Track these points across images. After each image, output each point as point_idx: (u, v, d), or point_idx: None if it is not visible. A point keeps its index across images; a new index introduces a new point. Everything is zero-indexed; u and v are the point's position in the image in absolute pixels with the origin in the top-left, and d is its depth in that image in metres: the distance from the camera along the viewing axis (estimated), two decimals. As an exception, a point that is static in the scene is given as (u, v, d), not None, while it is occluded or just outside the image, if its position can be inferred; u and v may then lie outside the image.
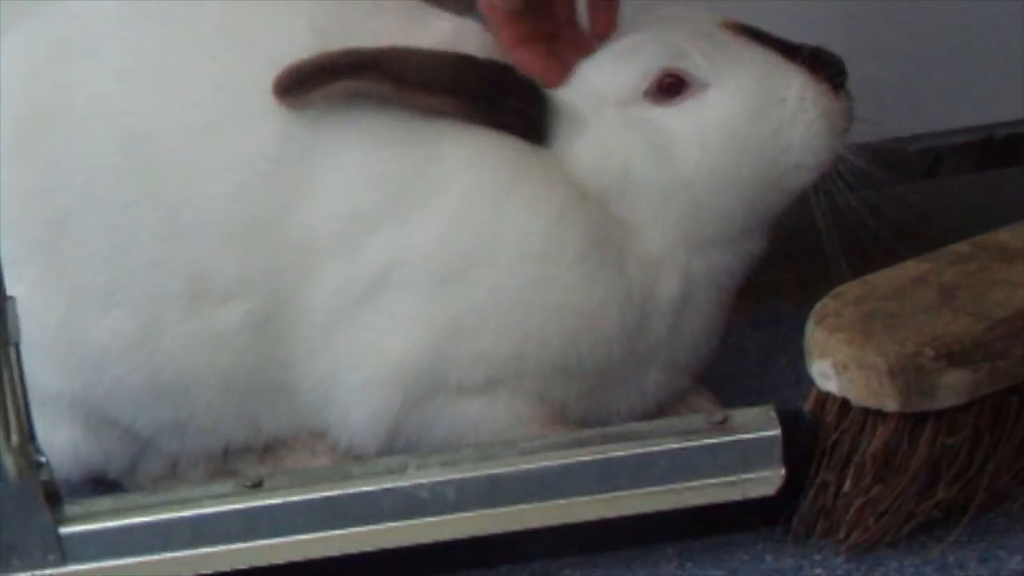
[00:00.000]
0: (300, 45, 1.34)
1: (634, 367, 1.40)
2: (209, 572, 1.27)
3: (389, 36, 1.36)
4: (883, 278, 1.31)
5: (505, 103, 1.35)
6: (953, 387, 1.23)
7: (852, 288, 1.30)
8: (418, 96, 1.33)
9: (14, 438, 1.24)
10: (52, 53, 1.39)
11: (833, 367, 1.24)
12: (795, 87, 1.36)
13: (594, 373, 1.38)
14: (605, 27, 1.40)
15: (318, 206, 1.34)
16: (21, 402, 1.25)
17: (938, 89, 1.86)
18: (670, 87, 1.36)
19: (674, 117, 1.36)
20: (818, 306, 1.28)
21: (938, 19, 1.84)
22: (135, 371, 1.37)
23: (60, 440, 1.40)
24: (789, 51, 1.38)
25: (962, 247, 1.35)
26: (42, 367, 1.36)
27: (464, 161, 1.35)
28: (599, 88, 1.37)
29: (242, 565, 1.27)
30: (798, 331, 1.29)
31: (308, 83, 1.32)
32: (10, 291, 1.25)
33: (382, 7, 1.41)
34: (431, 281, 1.35)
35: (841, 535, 1.27)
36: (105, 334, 1.36)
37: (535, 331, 1.35)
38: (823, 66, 1.37)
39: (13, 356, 1.24)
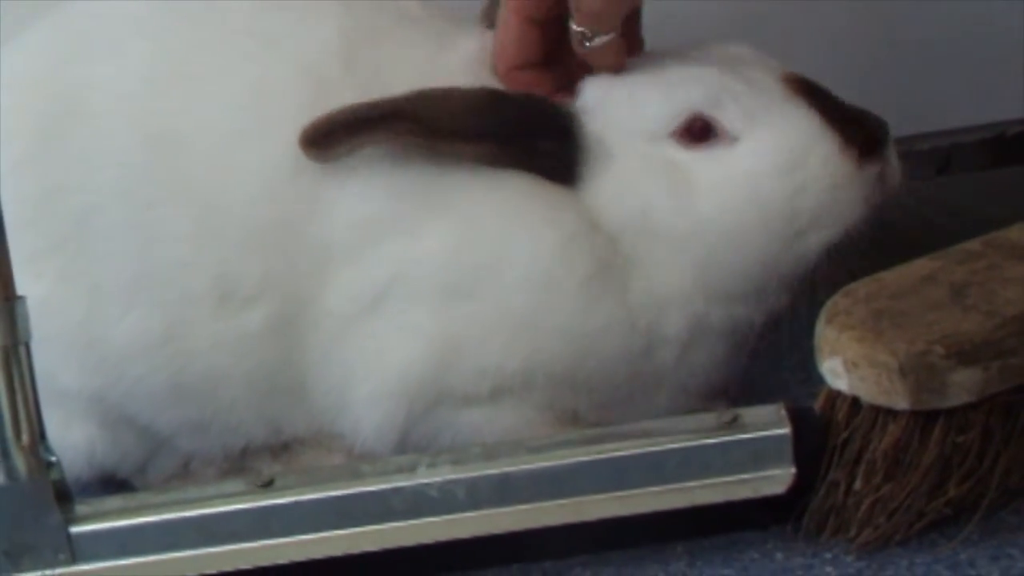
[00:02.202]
0: (327, 51, 1.35)
1: (642, 388, 1.40)
2: (219, 571, 1.27)
3: (416, 51, 1.37)
4: (893, 276, 1.31)
5: (537, 146, 1.35)
6: (964, 385, 1.23)
7: (862, 286, 1.30)
8: (450, 145, 1.32)
9: (24, 437, 1.24)
10: (75, 50, 1.39)
11: (843, 365, 1.24)
12: (819, 153, 1.34)
13: (602, 389, 1.38)
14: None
15: (334, 213, 1.34)
16: (31, 401, 1.25)
17: (948, 87, 1.86)
18: (699, 131, 1.35)
19: (699, 162, 1.35)
20: (828, 304, 1.28)
21: (949, 16, 1.84)
22: (157, 371, 1.37)
23: (74, 438, 1.40)
24: (834, 111, 1.36)
25: (973, 245, 1.34)
26: (61, 364, 1.37)
27: (478, 179, 1.35)
28: (628, 116, 1.36)
29: (253, 564, 1.27)
30: (808, 330, 1.29)
31: (339, 137, 1.32)
32: (29, 289, 1.26)
33: (411, 17, 1.41)
34: (437, 294, 1.35)
35: (852, 533, 1.27)
36: (127, 333, 1.36)
37: (541, 349, 1.35)
38: (861, 130, 1.36)
39: (23, 355, 1.24)
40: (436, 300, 1.35)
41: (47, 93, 1.38)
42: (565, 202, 1.36)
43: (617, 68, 1.37)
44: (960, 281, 1.29)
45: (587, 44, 1.34)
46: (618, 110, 1.36)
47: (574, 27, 1.34)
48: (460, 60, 1.38)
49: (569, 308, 1.35)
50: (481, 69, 1.38)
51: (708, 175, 1.34)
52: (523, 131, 1.34)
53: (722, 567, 1.29)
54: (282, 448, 1.44)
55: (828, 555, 1.27)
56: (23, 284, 1.25)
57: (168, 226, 1.35)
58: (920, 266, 1.32)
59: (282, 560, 1.27)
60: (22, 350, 1.24)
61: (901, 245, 1.35)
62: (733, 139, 1.35)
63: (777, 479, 1.26)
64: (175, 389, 1.38)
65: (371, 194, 1.34)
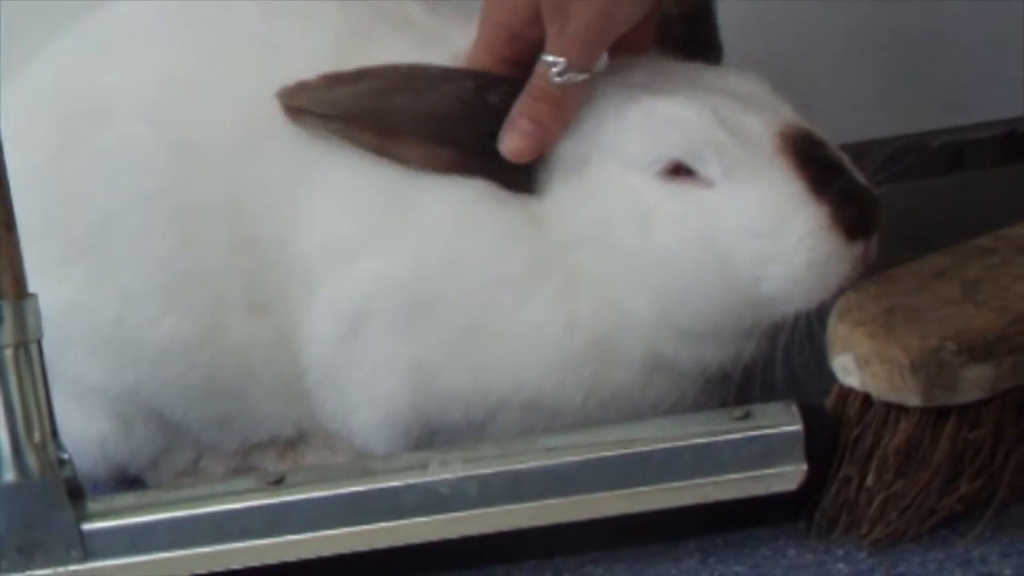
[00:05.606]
0: (321, 59, 1.34)
1: (616, 417, 1.35)
2: (231, 568, 1.27)
3: (404, 55, 1.34)
4: (905, 272, 1.31)
5: (497, 158, 1.32)
6: (976, 381, 1.23)
7: (874, 282, 1.29)
8: (408, 147, 1.32)
9: (36, 435, 1.25)
10: (96, 57, 1.40)
11: (855, 361, 1.24)
12: (797, 229, 1.28)
13: (569, 412, 1.35)
14: None
15: (315, 230, 1.35)
16: (43, 399, 1.25)
17: (960, 84, 1.86)
18: (676, 169, 1.31)
19: (667, 198, 1.30)
20: (840, 300, 1.28)
21: (960, 12, 1.84)
22: (194, 369, 1.38)
23: (91, 434, 1.41)
24: (825, 180, 1.28)
25: (985, 241, 1.34)
26: (87, 362, 1.38)
27: (433, 188, 1.33)
28: (611, 139, 1.32)
29: (264, 561, 1.27)
30: (819, 326, 1.29)
31: (305, 111, 1.33)
32: (56, 292, 1.27)
33: (409, 21, 1.40)
34: (403, 316, 1.34)
35: (864, 530, 1.26)
36: (164, 335, 1.37)
37: (486, 363, 1.34)
38: (854, 207, 1.28)
39: (35, 353, 1.24)
40: (403, 323, 1.34)
41: (68, 99, 1.39)
42: (508, 205, 1.34)
43: (566, 117, 1.32)
44: (972, 277, 1.29)
45: (556, 78, 1.30)
46: (603, 132, 1.33)
47: (548, 57, 1.30)
48: (449, 60, 1.35)
49: (504, 307, 1.33)
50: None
51: (673, 212, 1.30)
52: (485, 143, 1.32)
53: (734, 563, 1.29)
54: (286, 448, 1.45)
55: (840, 551, 1.27)
56: (49, 287, 1.26)
57: (200, 233, 1.35)
58: (932, 262, 1.32)
59: (293, 557, 1.27)
60: (34, 348, 1.24)
61: (913, 241, 1.35)
62: (707, 183, 1.30)
63: (789, 476, 1.26)
64: (210, 386, 1.39)
65: (343, 212, 1.34)
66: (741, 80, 1.35)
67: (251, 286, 1.36)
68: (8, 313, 1.23)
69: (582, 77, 1.31)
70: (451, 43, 1.37)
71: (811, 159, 1.29)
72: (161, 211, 1.36)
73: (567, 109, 1.32)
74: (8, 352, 1.23)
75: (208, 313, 1.36)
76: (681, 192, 1.30)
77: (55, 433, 1.26)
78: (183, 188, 1.35)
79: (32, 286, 1.24)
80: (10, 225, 1.23)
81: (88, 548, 1.27)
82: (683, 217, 1.30)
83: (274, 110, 1.34)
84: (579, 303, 1.33)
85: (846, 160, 1.31)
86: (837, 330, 1.26)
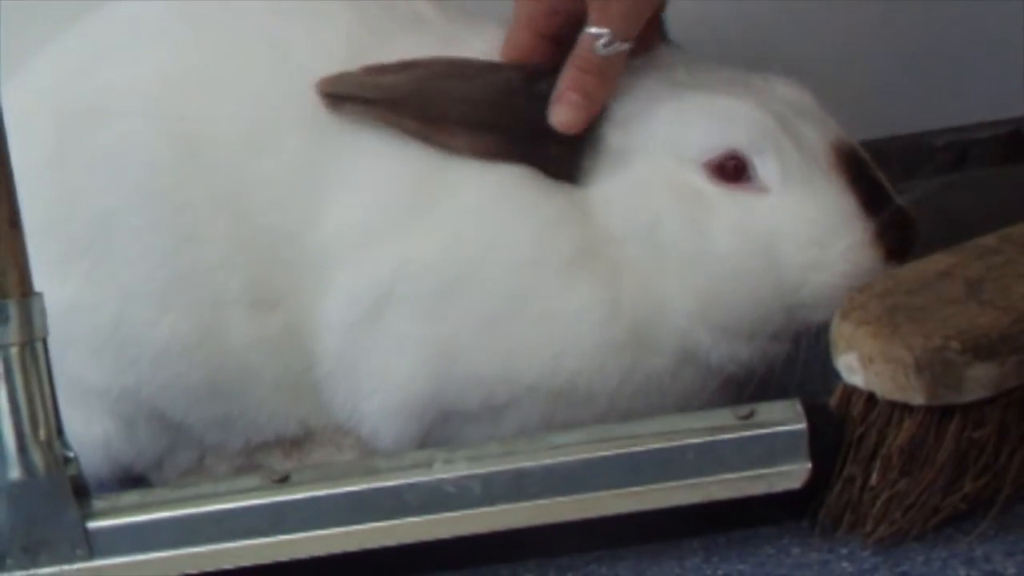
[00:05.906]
0: (332, 58, 1.35)
1: (642, 406, 1.37)
2: (236, 566, 1.27)
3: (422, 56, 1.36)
4: (909, 271, 1.31)
5: (542, 148, 1.34)
6: (980, 380, 1.23)
7: (878, 281, 1.29)
8: (450, 135, 1.33)
9: (42, 433, 1.25)
10: (97, 55, 1.40)
11: (859, 360, 1.24)
12: (844, 243, 1.32)
13: (602, 398, 1.36)
14: None
15: (332, 218, 1.35)
16: (49, 397, 1.25)
17: (964, 83, 1.86)
18: (731, 170, 1.33)
19: (721, 199, 1.33)
20: (844, 299, 1.28)
21: (965, 12, 1.83)
22: (193, 369, 1.38)
23: (94, 434, 1.41)
24: (873, 197, 1.34)
25: (988, 240, 1.34)
26: (88, 363, 1.38)
27: (468, 172, 1.34)
28: (665, 133, 1.34)
29: (268, 559, 1.27)
30: (824, 325, 1.29)
31: (347, 98, 1.33)
32: (56, 292, 1.27)
33: (421, 19, 1.41)
34: (429, 298, 1.34)
35: (868, 529, 1.26)
36: (163, 334, 1.37)
37: (519, 347, 1.34)
38: (897, 229, 1.33)
39: (40, 351, 1.24)
40: (429, 305, 1.34)
41: (69, 97, 1.39)
42: (553, 190, 1.35)
43: (610, 87, 1.34)
44: (976, 276, 1.29)
45: (602, 49, 1.32)
46: (657, 124, 1.35)
47: (592, 30, 1.33)
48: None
49: (547, 290, 1.33)
50: None
51: (728, 213, 1.32)
52: (532, 131, 1.34)
53: (738, 562, 1.29)
54: (292, 446, 1.45)
55: (844, 550, 1.27)
56: (49, 287, 1.26)
57: (200, 228, 1.35)
58: (936, 261, 1.32)
59: (298, 555, 1.27)
60: (39, 346, 1.25)
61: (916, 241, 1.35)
62: (762, 189, 1.33)
63: (793, 474, 1.26)
64: (210, 386, 1.39)
65: (366, 197, 1.35)
66: (787, 87, 1.38)
67: (254, 283, 1.36)
68: (14, 311, 1.23)
69: (626, 46, 1.33)
70: (467, 44, 1.38)
71: (861, 176, 1.34)
72: (162, 209, 1.36)
73: (611, 79, 1.34)
74: (14, 350, 1.23)
75: (207, 312, 1.36)
76: (739, 196, 1.33)
77: (60, 431, 1.26)
78: (184, 186, 1.35)
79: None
80: (15, 223, 1.23)
81: (93, 546, 1.27)
82: (742, 222, 1.32)
83: (285, 105, 1.34)
84: (621, 288, 1.34)
85: (886, 180, 1.35)
86: (841, 329, 1.26)
